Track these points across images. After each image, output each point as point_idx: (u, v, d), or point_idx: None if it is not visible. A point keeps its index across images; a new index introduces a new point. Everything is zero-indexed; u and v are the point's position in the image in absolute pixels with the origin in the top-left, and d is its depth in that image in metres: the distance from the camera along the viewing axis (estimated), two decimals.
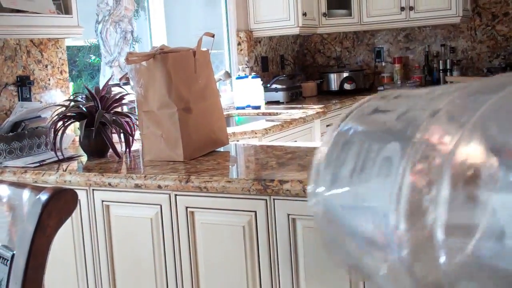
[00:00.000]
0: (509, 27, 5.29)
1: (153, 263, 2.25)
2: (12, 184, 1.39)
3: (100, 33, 4.27)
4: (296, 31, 5.09)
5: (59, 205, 1.17)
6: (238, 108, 4.61)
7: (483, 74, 5.27)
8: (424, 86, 5.31)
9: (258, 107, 4.55)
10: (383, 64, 5.81)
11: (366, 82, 5.72)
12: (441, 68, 5.40)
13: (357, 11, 5.43)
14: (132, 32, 4.40)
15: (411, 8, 5.18)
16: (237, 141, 3.25)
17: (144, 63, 2.43)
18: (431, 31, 5.57)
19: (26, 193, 1.26)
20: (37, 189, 1.23)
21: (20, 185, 1.33)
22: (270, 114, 4.30)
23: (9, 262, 1.29)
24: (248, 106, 4.58)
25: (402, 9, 5.22)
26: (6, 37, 2.92)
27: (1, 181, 1.41)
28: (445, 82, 5.23)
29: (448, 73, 5.33)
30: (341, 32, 5.87)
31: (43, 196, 1.17)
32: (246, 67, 5.01)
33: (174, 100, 2.40)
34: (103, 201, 2.33)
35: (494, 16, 5.32)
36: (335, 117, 4.66)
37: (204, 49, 2.61)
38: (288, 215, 1.97)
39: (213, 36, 2.60)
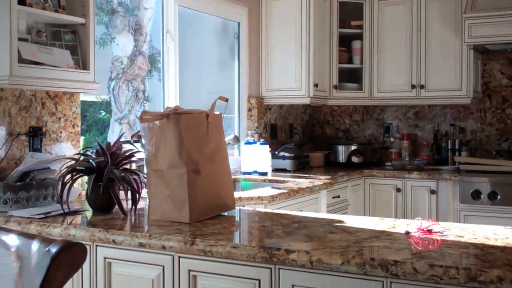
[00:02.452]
0: None
1: None
2: (21, 234, 1.38)
3: (113, 90, 4.33)
4: (306, 101, 5.14)
5: (68, 258, 1.16)
6: (244, 173, 4.61)
7: (492, 156, 5.27)
8: (432, 165, 5.33)
9: (264, 174, 4.55)
10: (392, 139, 5.84)
11: (374, 156, 5.74)
12: (449, 147, 5.41)
13: (368, 86, 5.50)
14: (143, 91, 4.46)
15: (421, 86, 5.24)
16: (243, 206, 3.23)
17: (157, 122, 2.45)
18: (441, 110, 5.61)
19: (35, 244, 1.25)
20: (47, 241, 1.22)
21: (30, 236, 1.32)
22: (276, 181, 4.30)
23: None
24: (255, 172, 4.58)
25: (413, 86, 5.28)
26: (22, 87, 2.95)
27: (11, 230, 1.40)
28: (454, 162, 5.23)
29: (457, 153, 5.34)
30: (351, 105, 5.92)
31: (53, 248, 1.16)
32: (255, 133, 5.03)
33: (184, 161, 2.41)
34: (105, 257, 2.30)
35: (504, 99, 5.37)
36: (341, 189, 4.66)
37: (217, 112, 2.63)
38: (293, 285, 1.94)
39: (227, 100, 2.62)
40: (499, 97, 5.40)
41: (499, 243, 2.01)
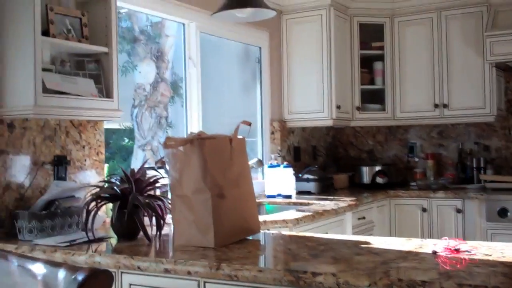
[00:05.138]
0: None
1: None
2: (47, 262, 1.38)
3: (136, 117, 4.37)
4: (329, 123, 5.14)
5: (95, 285, 1.16)
6: (268, 197, 4.60)
7: None
8: (458, 183, 5.27)
9: (289, 197, 4.54)
10: (416, 159, 5.79)
11: (398, 177, 5.68)
12: (474, 166, 5.35)
13: (390, 106, 5.47)
14: (166, 117, 4.49)
15: (445, 106, 5.21)
16: (268, 229, 3.22)
17: (181, 148, 2.46)
18: (465, 129, 5.56)
19: (61, 272, 1.26)
20: (73, 269, 1.22)
21: (56, 264, 1.32)
22: (301, 204, 4.28)
23: None
24: (279, 195, 4.57)
25: (436, 106, 5.25)
26: (47, 117, 2.98)
27: (37, 259, 1.41)
28: (479, 180, 5.18)
29: (482, 171, 5.28)
30: (374, 126, 5.90)
31: (79, 276, 1.17)
32: (278, 156, 5.03)
33: (209, 185, 2.41)
34: (131, 284, 2.30)
35: None
36: (366, 210, 4.62)
37: (240, 136, 2.63)
38: None
39: (250, 124, 2.63)
40: None
41: None
